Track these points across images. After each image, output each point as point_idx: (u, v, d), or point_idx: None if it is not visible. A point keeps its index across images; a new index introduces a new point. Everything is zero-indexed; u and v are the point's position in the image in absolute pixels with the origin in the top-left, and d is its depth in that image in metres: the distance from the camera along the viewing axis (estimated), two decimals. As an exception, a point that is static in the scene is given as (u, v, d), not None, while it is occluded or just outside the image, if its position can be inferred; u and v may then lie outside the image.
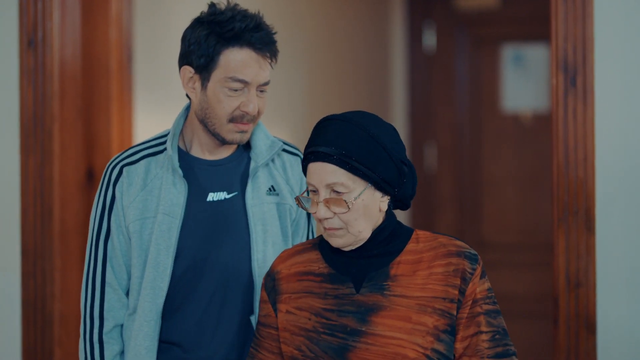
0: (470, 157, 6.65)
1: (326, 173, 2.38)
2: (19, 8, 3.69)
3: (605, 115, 3.28)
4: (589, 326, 3.25)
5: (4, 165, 3.72)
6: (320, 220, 2.42)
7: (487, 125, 6.60)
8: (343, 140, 2.37)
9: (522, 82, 6.55)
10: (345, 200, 2.37)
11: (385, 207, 2.43)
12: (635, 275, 3.27)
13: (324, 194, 2.39)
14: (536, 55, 6.52)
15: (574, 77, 3.28)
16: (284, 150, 2.85)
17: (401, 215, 6.39)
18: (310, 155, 2.41)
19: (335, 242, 2.42)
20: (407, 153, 2.48)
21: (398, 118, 6.70)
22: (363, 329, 2.38)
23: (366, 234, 2.41)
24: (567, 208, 3.28)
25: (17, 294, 3.70)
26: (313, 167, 2.40)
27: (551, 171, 3.31)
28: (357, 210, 2.38)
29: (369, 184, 2.38)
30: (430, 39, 6.72)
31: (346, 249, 2.43)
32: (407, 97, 6.75)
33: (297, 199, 2.46)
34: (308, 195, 2.44)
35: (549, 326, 5.76)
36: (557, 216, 3.29)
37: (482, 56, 6.63)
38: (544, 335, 6.24)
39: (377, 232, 2.43)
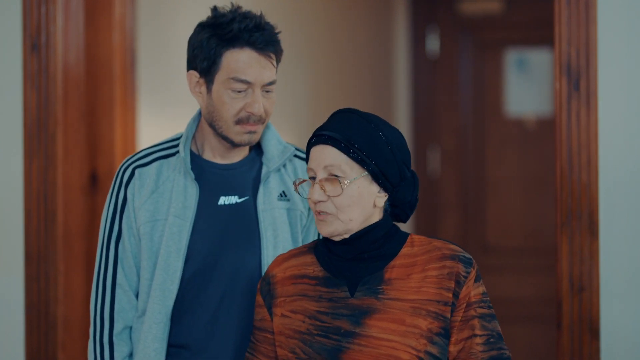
0: (474, 161, 6.64)
1: (325, 155, 2.40)
2: (22, 12, 3.69)
3: (608, 119, 3.28)
4: (593, 330, 3.25)
5: (7, 169, 3.73)
6: (314, 204, 2.42)
7: (490, 129, 6.60)
8: (348, 127, 2.40)
9: (526, 86, 6.55)
10: (339, 182, 2.38)
11: (381, 203, 2.44)
12: (639, 279, 3.27)
13: (321, 175, 2.41)
14: (539, 59, 6.52)
15: (577, 81, 3.28)
16: (296, 156, 2.85)
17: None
18: (314, 138, 2.44)
19: (324, 229, 2.43)
20: (411, 156, 2.50)
21: (402, 122, 6.69)
22: (357, 330, 2.39)
23: (355, 224, 2.41)
24: (571, 212, 3.27)
25: (21, 297, 3.70)
26: (315, 150, 2.43)
27: (554, 175, 3.31)
28: (351, 196, 2.39)
29: (367, 173, 2.40)
30: (433, 44, 6.72)
31: (336, 239, 2.43)
32: (411, 101, 6.75)
33: (295, 183, 2.48)
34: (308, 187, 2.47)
35: (552, 330, 5.75)
36: (560, 220, 3.28)
37: (486, 60, 6.63)
38: (547, 339, 6.23)
39: (370, 229, 2.43)
